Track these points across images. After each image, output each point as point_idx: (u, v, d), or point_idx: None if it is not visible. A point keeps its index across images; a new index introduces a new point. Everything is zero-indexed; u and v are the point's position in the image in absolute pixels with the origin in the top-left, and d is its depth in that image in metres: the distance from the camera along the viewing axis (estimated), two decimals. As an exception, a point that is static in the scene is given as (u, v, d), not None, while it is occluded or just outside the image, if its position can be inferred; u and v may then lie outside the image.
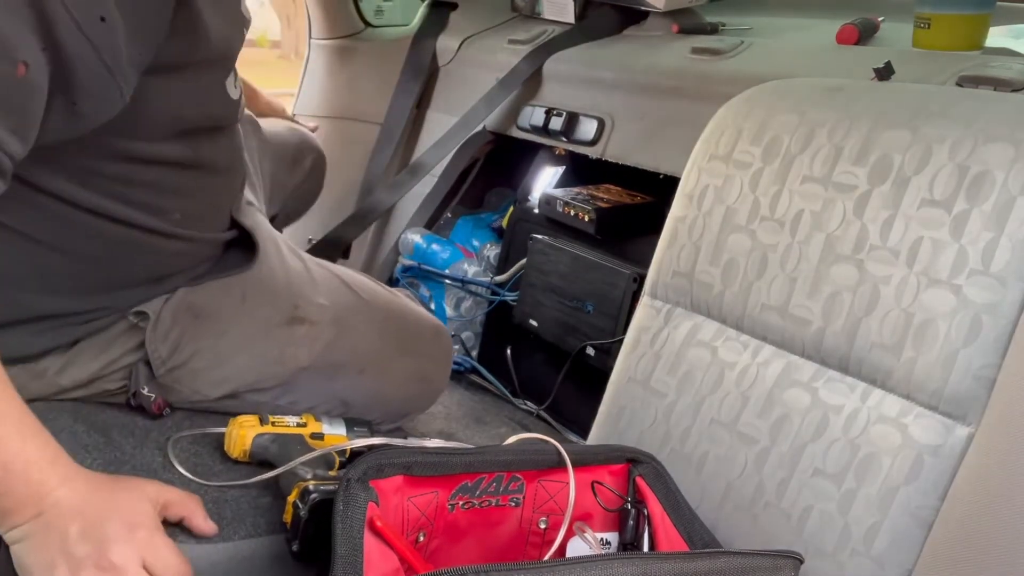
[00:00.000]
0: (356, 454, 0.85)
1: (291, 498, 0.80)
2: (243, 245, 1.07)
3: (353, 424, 0.97)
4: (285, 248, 1.11)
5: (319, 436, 0.94)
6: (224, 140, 1.02)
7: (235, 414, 0.95)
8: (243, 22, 0.98)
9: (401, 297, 1.22)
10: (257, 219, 1.11)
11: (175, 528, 0.80)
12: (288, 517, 0.80)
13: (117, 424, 0.95)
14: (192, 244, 1.01)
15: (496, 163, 1.85)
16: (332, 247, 1.62)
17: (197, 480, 0.89)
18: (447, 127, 1.77)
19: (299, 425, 0.94)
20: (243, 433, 0.91)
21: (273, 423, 0.93)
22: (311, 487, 0.79)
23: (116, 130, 0.84)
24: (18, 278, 0.91)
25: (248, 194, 1.16)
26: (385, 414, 1.12)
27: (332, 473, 0.85)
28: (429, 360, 1.19)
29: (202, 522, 0.81)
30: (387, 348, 1.12)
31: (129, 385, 0.97)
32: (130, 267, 0.97)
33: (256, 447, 0.91)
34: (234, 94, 1.00)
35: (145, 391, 0.96)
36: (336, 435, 0.95)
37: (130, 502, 0.75)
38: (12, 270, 0.90)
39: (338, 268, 1.17)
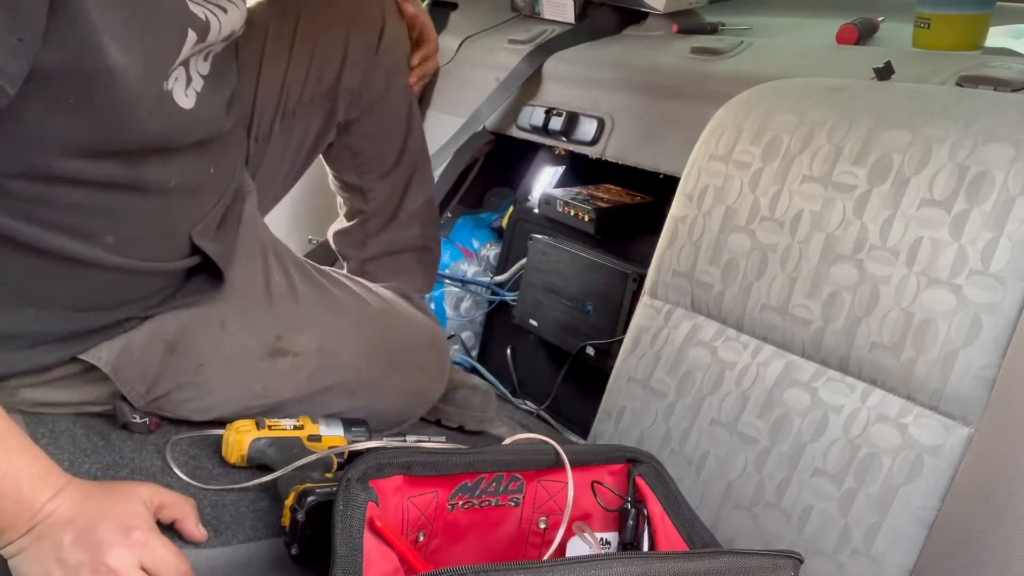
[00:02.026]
0: (354, 455, 0.85)
1: (288, 502, 0.79)
2: (210, 270, 0.96)
3: (351, 424, 0.97)
4: (273, 258, 1.03)
5: (316, 438, 0.93)
6: (181, 160, 0.86)
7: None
8: (180, 23, 0.81)
9: (396, 304, 1.15)
10: (231, 235, 0.98)
11: (172, 531, 0.80)
12: (286, 521, 0.80)
13: (116, 427, 0.95)
14: (133, 276, 0.88)
15: (496, 163, 1.85)
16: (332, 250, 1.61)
17: (195, 484, 0.88)
18: (447, 126, 1.77)
19: (296, 428, 0.94)
20: (240, 438, 0.91)
21: (270, 427, 0.92)
22: (307, 490, 0.79)
23: (23, 142, 0.75)
24: None
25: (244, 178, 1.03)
26: (378, 424, 1.08)
27: (329, 476, 0.85)
28: (422, 374, 1.13)
29: (193, 527, 0.80)
30: (377, 368, 1.06)
31: (116, 415, 0.94)
32: (56, 298, 0.86)
33: (253, 451, 0.91)
34: (185, 103, 0.83)
35: (135, 419, 0.93)
36: (333, 436, 0.95)
37: (123, 505, 0.75)
38: None
39: (328, 278, 1.10)
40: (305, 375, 1.00)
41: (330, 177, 1.33)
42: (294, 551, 0.79)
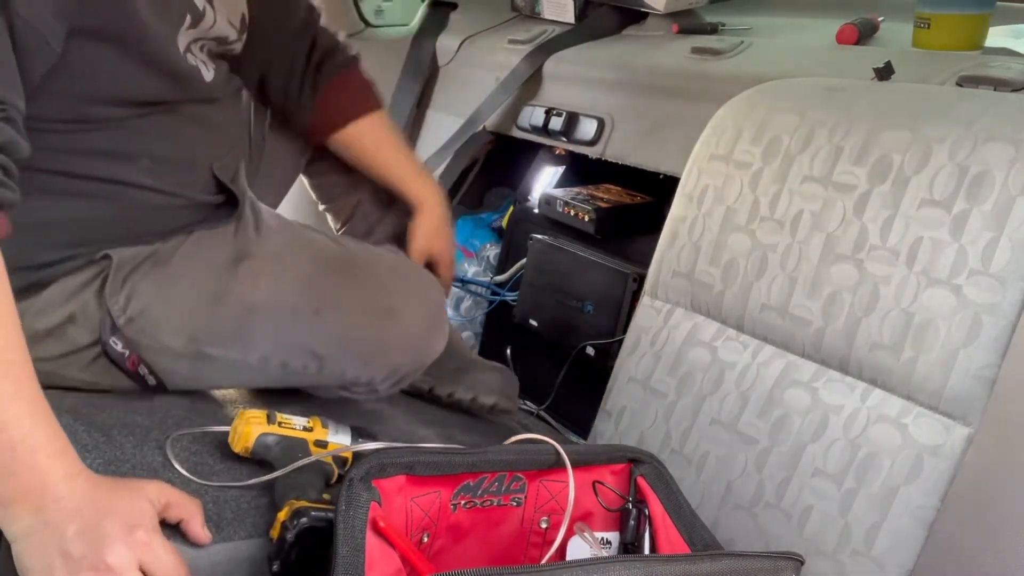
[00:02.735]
0: (359, 457, 0.85)
1: (281, 515, 0.78)
2: (226, 208, 1.07)
3: (359, 435, 0.97)
4: (248, 202, 1.10)
5: (322, 444, 0.93)
6: (194, 103, 1.01)
7: (230, 402, 0.95)
8: (183, 5, 0.95)
9: (365, 245, 1.19)
10: (242, 186, 1.10)
11: (175, 530, 0.80)
12: (275, 533, 0.78)
13: (117, 423, 0.95)
14: (165, 200, 1.00)
15: (496, 163, 1.85)
16: None
17: (196, 480, 0.88)
18: (447, 127, 1.77)
19: (305, 429, 0.93)
20: (248, 430, 0.90)
21: (280, 423, 0.92)
22: (303, 510, 0.77)
23: (59, 90, 0.85)
24: None
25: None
26: (365, 365, 1.06)
27: (327, 496, 0.84)
28: (389, 292, 1.10)
29: (199, 528, 0.80)
30: (337, 280, 1.07)
31: (101, 337, 0.96)
32: (93, 229, 0.96)
33: (258, 446, 0.91)
34: (207, 76, 1.00)
35: (116, 345, 0.95)
36: (340, 444, 0.94)
37: (130, 502, 0.75)
38: None
39: (300, 223, 1.16)
40: (265, 279, 1.02)
41: (319, 201, 1.41)
42: (275, 568, 0.77)
